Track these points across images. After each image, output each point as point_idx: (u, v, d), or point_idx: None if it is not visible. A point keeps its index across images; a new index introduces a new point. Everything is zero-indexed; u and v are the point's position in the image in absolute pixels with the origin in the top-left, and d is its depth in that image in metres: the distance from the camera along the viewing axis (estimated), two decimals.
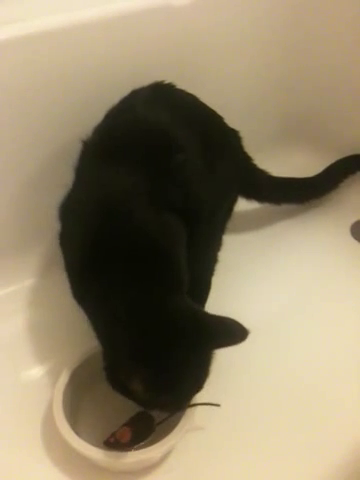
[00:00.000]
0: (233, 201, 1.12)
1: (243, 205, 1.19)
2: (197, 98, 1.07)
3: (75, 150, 0.98)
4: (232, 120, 1.10)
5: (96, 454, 0.79)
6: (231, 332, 0.78)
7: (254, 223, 1.26)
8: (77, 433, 0.81)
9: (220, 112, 1.09)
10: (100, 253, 0.83)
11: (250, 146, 1.15)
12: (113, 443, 0.80)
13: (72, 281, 0.88)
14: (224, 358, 0.81)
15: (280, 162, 1.34)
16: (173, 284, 0.83)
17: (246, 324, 1.02)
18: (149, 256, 0.82)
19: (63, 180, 0.95)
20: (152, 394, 0.77)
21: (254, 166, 1.18)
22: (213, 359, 0.80)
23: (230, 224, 1.12)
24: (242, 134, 1.13)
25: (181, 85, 1.08)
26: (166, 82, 1.06)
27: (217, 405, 0.86)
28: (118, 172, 0.90)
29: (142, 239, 0.84)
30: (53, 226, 0.93)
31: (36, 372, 0.97)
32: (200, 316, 0.81)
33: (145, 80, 1.06)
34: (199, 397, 0.83)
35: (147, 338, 0.76)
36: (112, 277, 0.81)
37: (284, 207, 1.27)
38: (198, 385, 0.80)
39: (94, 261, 0.83)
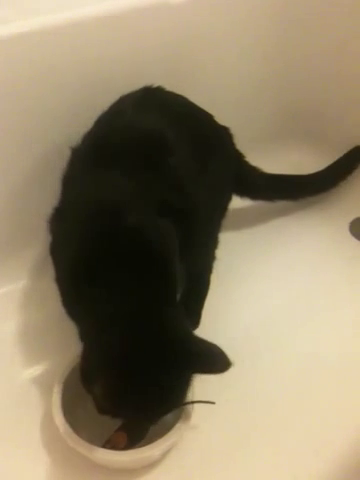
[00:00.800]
0: (228, 199, 1.12)
1: (240, 203, 1.19)
2: (186, 99, 1.07)
3: (67, 154, 0.97)
4: (228, 116, 1.10)
5: (95, 453, 0.78)
6: (213, 362, 0.77)
7: (252, 220, 1.26)
8: (76, 432, 0.80)
9: (216, 108, 1.09)
10: (91, 262, 0.82)
11: (246, 142, 1.14)
12: (110, 444, 0.81)
13: (62, 291, 0.87)
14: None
15: (276, 159, 1.34)
16: (164, 296, 0.82)
17: (244, 322, 1.04)
18: (141, 266, 0.81)
19: (54, 184, 0.95)
20: (110, 402, 0.76)
21: (246, 163, 1.18)
22: (190, 385, 0.79)
23: (228, 222, 1.12)
24: (238, 130, 1.12)
25: (177, 82, 1.08)
26: (155, 85, 1.06)
27: (212, 403, 0.84)
28: (109, 179, 0.90)
29: (134, 248, 0.83)
30: (45, 228, 0.93)
31: (33, 372, 0.97)
32: (185, 338, 0.79)
33: (141, 77, 1.06)
34: (197, 396, 0.82)
35: (124, 348, 0.75)
36: (102, 286, 0.81)
37: (282, 204, 1.27)
38: (166, 407, 0.78)
39: (84, 270, 0.82)
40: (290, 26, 1.29)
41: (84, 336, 0.83)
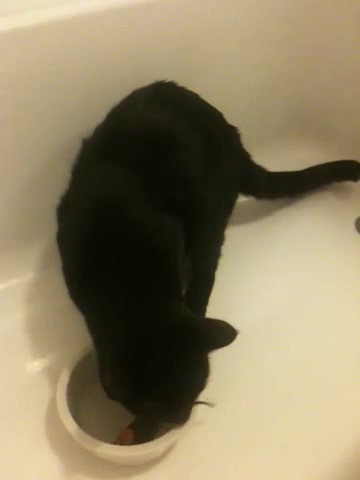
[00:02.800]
0: (234, 198, 1.12)
1: (245, 199, 1.19)
2: (198, 96, 1.07)
3: (72, 151, 0.97)
4: (235, 114, 1.10)
5: (99, 448, 0.79)
6: (220, 334, 0.77)
7: (257, 216, 1.26)
8: (80, 427, 0.81)
9: (223, 106, 1.09)
10: (96, 253, 0.82)
11: (253, 140, 1.14)
12: (117, 442, 0.81)
13: (68, 281, 0.87)
14: (225, 354, 0.79)
15: (283, 156, 1.35)
16: (168, 287, 0.83)
17: (248, 319, 1.03)
18: (146, 257, 0.82)
19: (64, 176, 0.95)
20: (134, 397, 0.76)
21: (252, 163, 1.18)
22: (208, 364, 0.79)
23: (232, 218, 1.12)
24: (245, 128, 1.12)
25: (184, 78, 1.07)
26: (167, 81, 1.06)
27: (212, 404, 0.83)
28: (117, 171, 0.90)
29: (139, 239, 0.83)
30: (53, 221, 0.93)
31: (38, 366, 0.97)
32: (191, 321, 0.80)
33: (146, 73, 1.06)
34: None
35: (136, 343, 0.76)
36: (107, 277, 0.81)
37: (288, 201, 1.27)
38: (193, 390, 0.78)
39: (90, 261, 0.83)
40: (299, 23, 1.28)
41: (90, 326, 0.84)
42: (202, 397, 0.81)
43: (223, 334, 0.77)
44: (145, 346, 0.75)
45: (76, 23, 1.03)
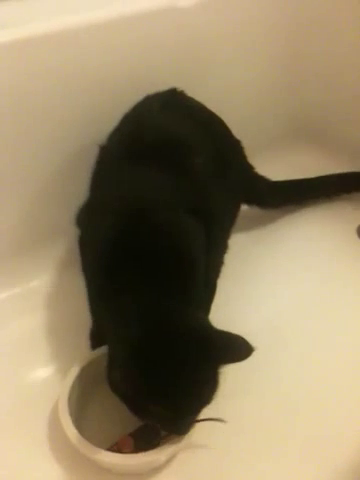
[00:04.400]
0: (238, 208, 1.13)
1: (248, 206, 1.20)
2: (206, 107, 1.09)
3: (85, 156, 0.99)
4: (237, 121, 1.10)
5: (101, 456, 0.79)
6: (236, 349, 0.77)
7: (258, 223, 1.26)
8: (82, 434, 0.81)
9: (225, 112, 1.09)
10: (122, 254, 0.83)
11: (255, 146, 1.14)
12: (116, 449, 0.81)
13: (91, 281, 0.88)
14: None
15: (285, 162, 1.36)
16: (190, 293, 0.83)
17: (250, 326, 1.03)
18: (170, 261, 0.82)
19: (75, 183, 0.96)
20: (139, 398, 0.76)
21: (256, 174, 1.19)
22: (218, 379, 0.78)
23: (236, 224, 1.12)
24: (244, 136, 1.13)
25: (186, 86, 1.09)
26: (179, 89, 1.07)
27: (222, 420, 0.82)
28: (138, 176, 0.91)
29: (164, 243, 0.84)
30: (63, 228, 0.94)
31: (42, 373, 0.98)
32: (208, 331, 0.79)
33: (148, 81, 1.08)
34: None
35: (151, 343, 0.75)
36: (130, 278, 0.81)
37: (289, 208, 1.27)
38: (198, 402, 0.77)
39: (115, 261, 0.83)
40: (299, 30, 1.29)
41: (107, 326, 0.84)
42: (208, 410, 0.81)
43: (239, 349, 0.76)
44: (159, 349, 0.75)
45: (78, 34, 1.04)
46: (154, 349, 0.75)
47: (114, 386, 0.79)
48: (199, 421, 0.80)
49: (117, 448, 0.81)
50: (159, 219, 0.86)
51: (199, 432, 0.82)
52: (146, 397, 0.75)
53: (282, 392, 0.94)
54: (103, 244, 0.86)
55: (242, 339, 0.77)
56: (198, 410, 0.78)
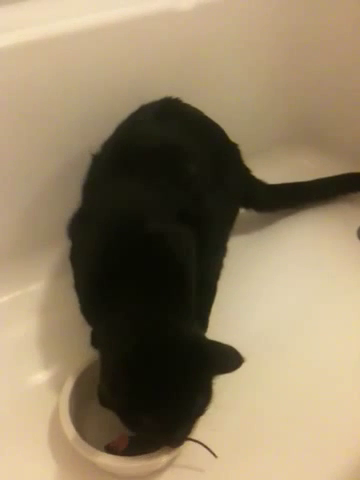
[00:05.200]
0: (236, 212, 1.14)
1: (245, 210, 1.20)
2: (202, 112, 1.09)
3: (84, 162, 0.99)
4: (236, 124, 1.11)
5: (101, 458, 0.78)
6: (226, 359, 0.77)
7: (258, 225, 1.26)
8: (83, 437, 0.80)
9: (224, 116, 1.09)
10: (113, 268, 0.83)
11: (254, 149, 1.15)
12: (110, 449, 0.81)
13: (82, 295, 0.88)
14: None
15: (284, 165, 1.37)
16: (181, 303, 0.83)
17: (249, 329, 1.03)
18: (161, 273, 0.82)
19: (73, 189, 0.96)
20: (129, 410, 0.76)
21: (253, 178, 1.19)
22: (211, 389, 0.78)
23: (235, 226, 1.13)
24: (244, 139, 1.13)
25: (184, 89, 1.09)
26: (174, 97, 1.08)
27: (214, 455, 0.82)
28: (129, 186, 0.91)
29: (156, 255, 0.83)
30: (62, 233, 0.94)
31: (42, 377, 0.97)
32: (199, 342, 0.79)
33: (147, 85, 1.09)
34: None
35: (140, 356, 0.75)
36: (122, 291, 0.81)
37: (288, 210, 1.27)
38: (190, 413, 0.77)
39: (106, 275, 0.83)
40: (298, 34, 1.30)
41: (99, 339, 0.85)
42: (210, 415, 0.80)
43: (229, 360, 0.76)
44: (149, 361, 0.75)
45: (76, 38, 1.04)
46: (143, 361, 0.74)
47: (102, 399, 0.79)
48: (192, 440, 0.80)
49: (110, 448, 0.81)
50: (149, 231, 0.85)
51: (200, 436, 0.82)
52: (136, 410, 0.75)
53: (282, 395, 0.94)
54: (93, 259, 0.86)
55: (233, 349, 0.76)
56: (190, 421, 0.78)
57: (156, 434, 0.77)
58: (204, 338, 0.82)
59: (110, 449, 0.81)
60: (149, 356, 0.75)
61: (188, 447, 0.82)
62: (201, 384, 0.77)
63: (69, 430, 0.81)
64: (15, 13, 1.05)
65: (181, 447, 0.80)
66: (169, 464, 0.84)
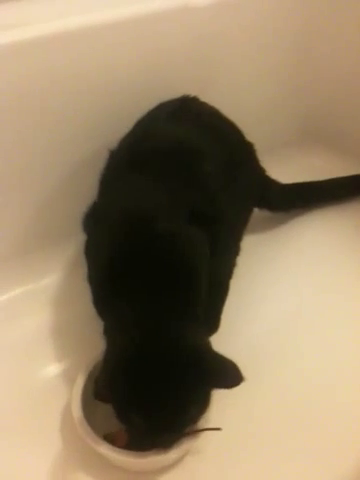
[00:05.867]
0: (250, 211, 1.14)
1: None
2: (219, 111, 1.09)
3: (100, 158, 1.00)
4: (248, 123, 1.11)
5: (112, 452, 0.79)
6: (225, 375, 0.77)
7: (266, 224, 1.25)
8: (94, 431, 0.81)
9: (236, 115, 1.10)
10: (124, 265, 0.83)
11: (266, 149, 1.14)
12: (108, 439, 0.81)
13: (93, 291, 0.89)
14: (235, 361, 0.78)
15: (296, 165, 1.36)
16: (189, 307, 0.83)
17: (257, 329, 1.04)
18: (172, 274, 0.83)
19: (89, 184, 0.97)
20: (124, 407, 0.77)
21: (267, 177, 1.19)
22: (207, 398, 0.78)
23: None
24: (255, 138, 1.13)
25: (197, 86, 1.10)
26: (191, 96, 1.08)
27: (218, 429, 0.82)
28: (143, 184, 0.91)
29: (167, 255, 0.84)
30: (75, 227, 0.94)
31: (54, 370, 0.98)
32: (201, 352, 0.79)
33: (160, 82, 1.09)
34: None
35: (141, 356, 0.76)
36: (132, 290, 0.82)
37: (299, 210, 1.27)
38: (181, 420, 0.77)
39: (118, 273, 0.84)
40: (310, 31, 1.29)
41: (106, 334, 0.85)
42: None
43: (228, 376, 0.76)
44: (147, 363, 0.76)
45: (90, 35, 1.04)
46: (142, 362, 0.75)
47: (96, 392, 0.80)
48: (196, 432, 0.80)
49: (111, 439, 0.81)
50: (162, 230, 0.86)
51: (203, 438, 0.82)
52: (127, 406, 0.76)
53: (284, 398, 0.94)
54: (105, 255, 0.87)
55: (234, 366, 0.76)
56: (182, 427, 0.78)
57: (144, 434, 0.78)
58: (206, 348, 0.82)
59: (108, 439, 0.81)
60: (149, 358, 0.76)
61: (196, 445, 0.83)
62: (196, 395, 0.77)
63: (81, 423, 0.82)
64: (30, 8, 1.06)
65: (191, 445, 0.81)
66: (178, 460, 0.84)
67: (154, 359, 0.76)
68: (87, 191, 0.97)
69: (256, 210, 1.18)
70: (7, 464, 0.85)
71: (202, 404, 0.79)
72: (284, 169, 1.23)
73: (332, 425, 0.90)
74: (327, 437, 0.88)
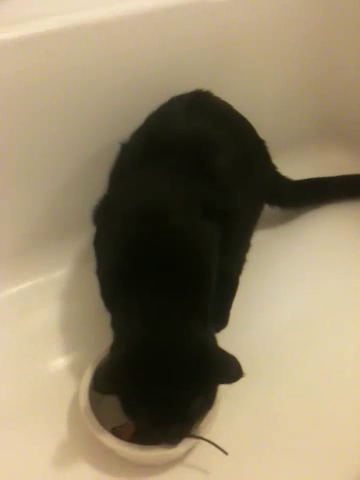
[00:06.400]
0: (261, 208, 1.14)
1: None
2: (232, 107, 1.08)
3: (110, 153, 1.00)
4: (265, 118, 1.10)
5: (120, 446, 0.80)
6: (226, 370, 0.77)
7: (277, 221, 1.24)
8: (102, 424, 0.82)
9: (254, 110, 1.09)
10: (135, 258, 0.84)
11: (283, 145, 1.14)
12: (115, 432, 0.82)
13: (101, 284, 0.89)
14: (244, 358, 0.78)
15: (313, 161, 1.35)
16: (197, 302, 0.83)
17: (268, 323, 1.03)
18: (181, 270, 0.83)
19: (100, 178, 0.97)
20: (129, 398, 0.77)
21: (278, 174, 1.19)
22: (212, 393, 0.79)
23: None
24: (275, 132, 1.12)
25: (213, 81, 1.08)
26: (204, 90, 1.07)
27: (225, 452, 0.81)
28: (156, 177, 0.91)
29: (179, 249, 0.84)
30: (87, 221, 0.95)
31: (63, 362, 0.99)
32: (205, 349, 0.79)
33: (177, 76, 1.08)
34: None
35: (146, 350, 0.77)
36: (141, 283, 0.82)
37: (311, 206, 1.26)
38: (182, 414, 0.77)
39: (128, 266, 0.84)
40: (328, 26, 1.27)
41: (114, 327, 0.86)
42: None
43: (229, 371, 0.77)
44: (154, 356, 0.76)
45: (108, 27, 1.04)
46: (148, 355, 0.76)
47: (96, 383, 0.79)
48: (202, 439, 0.81)
49: (118, 432, 0.82)
50: (174, 224, 0.86)
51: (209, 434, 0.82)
52: (133, 397, 0.77)
53: (293, 395, 0.93)
54: (116, 247, 0.87)
55: (235, 361, 0.77)
56: (186, 422, 0.79)
57: (151, 428, 0.78)
58: (210, 343, 0.82)
59: (115, 432, 0.82)
60: (155, 351, 0.76)
61: (197, 446, 0.83)
62: (199, 389, 0.78)
63: (89, 417, 0.82)
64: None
65: (193, 445, 0.82)
66: (178, 461, 0.84)
67: (159, 353, 0.76)
68: (97, 185, 0.97)
69: (266, 206, 1.17)
70: (15, 454, 0.85)
71: (206, 398, 0.79)
72: (301, 165, 1.23)
73: (342, 421, 0.89)
74: (338, 432, 0.88)
